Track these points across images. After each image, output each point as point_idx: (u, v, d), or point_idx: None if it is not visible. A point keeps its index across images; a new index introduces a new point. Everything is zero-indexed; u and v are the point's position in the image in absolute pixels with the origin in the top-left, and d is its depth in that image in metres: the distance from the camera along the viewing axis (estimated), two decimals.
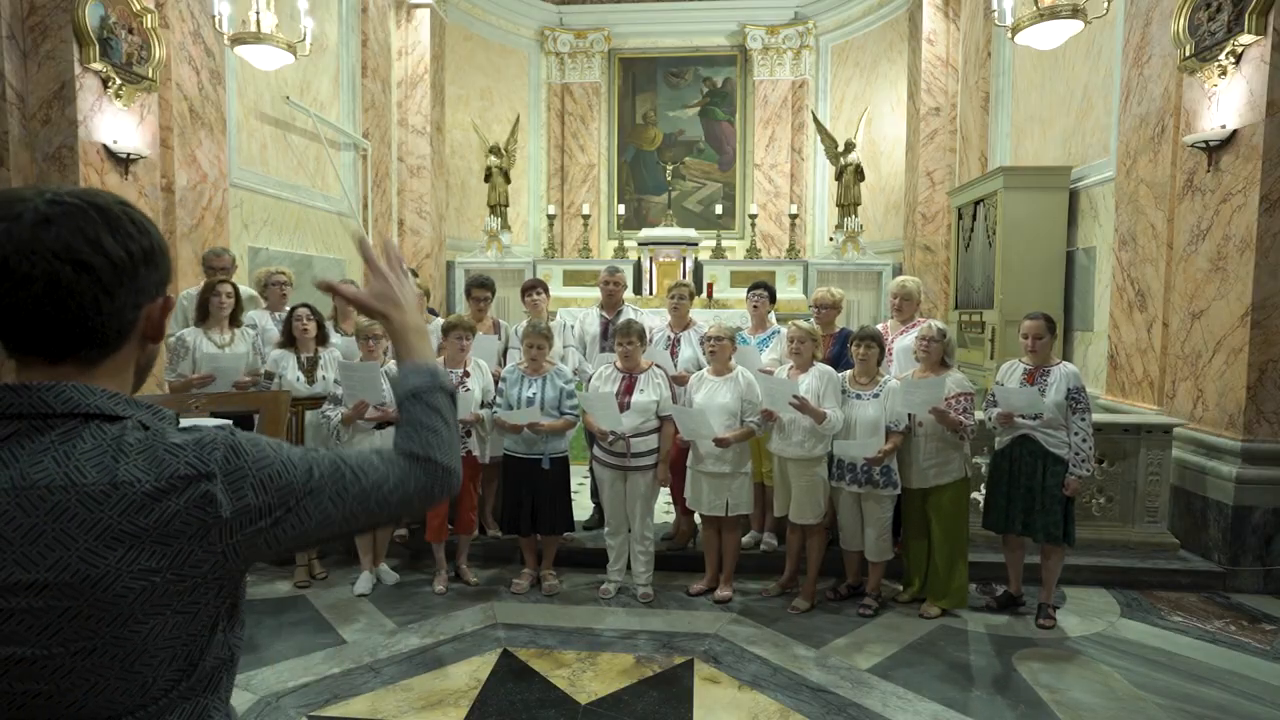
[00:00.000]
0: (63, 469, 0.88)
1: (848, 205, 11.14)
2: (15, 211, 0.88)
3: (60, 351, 0.93)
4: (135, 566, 0.88)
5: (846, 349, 4.64)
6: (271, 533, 0.97)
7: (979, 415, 4.28)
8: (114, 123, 5.14)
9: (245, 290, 5.21)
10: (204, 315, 4.51)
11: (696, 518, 4.72)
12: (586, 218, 12.23)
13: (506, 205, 11.73)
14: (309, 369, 4.57)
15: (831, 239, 11.62)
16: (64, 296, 0.89)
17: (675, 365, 4.82)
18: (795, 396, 4.04)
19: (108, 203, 0.93)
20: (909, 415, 4.11)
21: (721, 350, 4.28)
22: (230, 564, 0.95)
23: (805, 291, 10.96)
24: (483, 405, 4.45)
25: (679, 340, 4.95)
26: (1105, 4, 5.21)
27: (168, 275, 1.00)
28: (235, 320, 4.60)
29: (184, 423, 1.04)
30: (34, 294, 0.88)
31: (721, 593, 4.36)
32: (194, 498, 0.91)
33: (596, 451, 4.49)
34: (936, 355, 4.12)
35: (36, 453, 0.88)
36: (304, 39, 6.15)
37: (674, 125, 12.90)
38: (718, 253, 11.86)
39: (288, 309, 4.73)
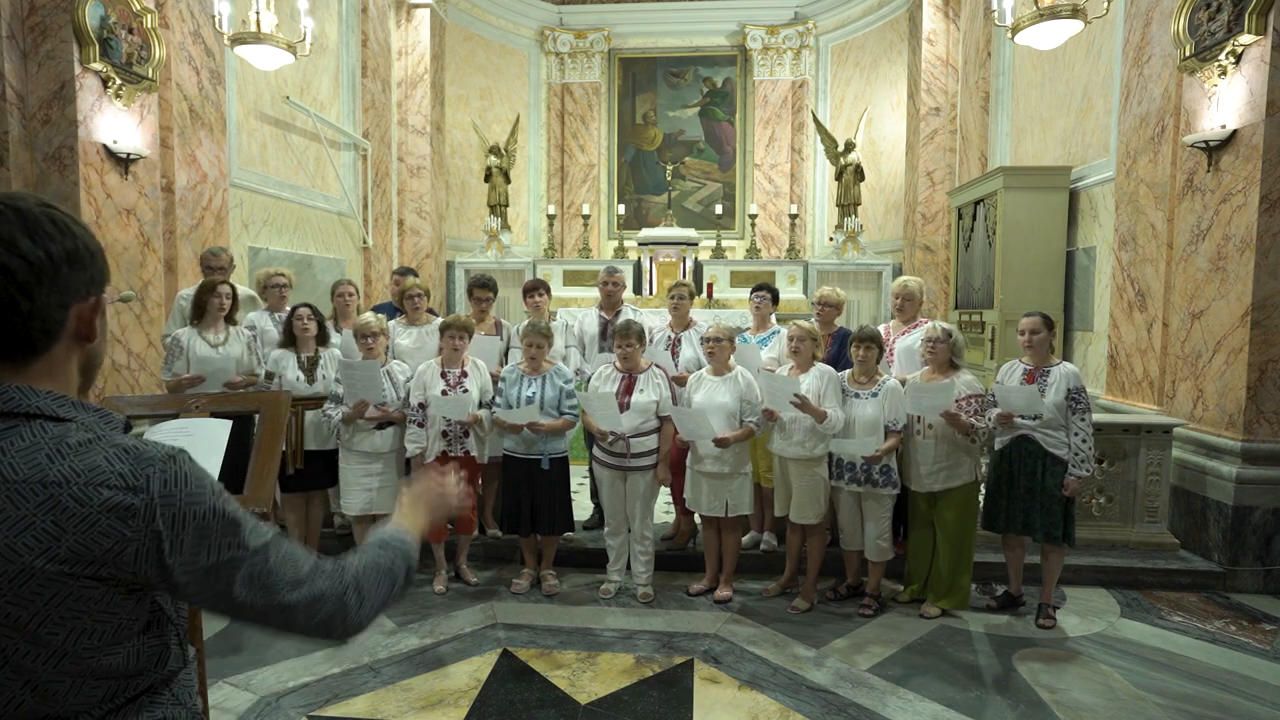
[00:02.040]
0: None
1: (848, 205, 11.14)
2: None
3: None
4: (50, 568, 0.88)
5: (844, 348, 4.64)
6: (179, 572, 0.95)
7: None
8: (114, 123, 5.14)
9: (244, 290, 5.20)
10: (200, 315, 4.50)
11: (696, 518, 4.72)
12: (586, 218, 12.23)
13: (506, 205, 11.72)
14: (309, 369, 4.56)
15: (831, 239, 11.62)
16: None
17: (676, 365, 4.82)
18: (796, 395, 4.04)
19: (27, 205, 0.93)
20: (917, 417, 4.10)
21: (720, 350, 4.27)
22: (141, 584, 0.95)
23: (805, 291, 10.97)
24: (481, 405, 4.45)
25: (680, 340, 4.94)
26: (1105, 4, 5.21)
27: (100, 275, 1.00)
28: (231, 319, 4.59)
29: (176, 424, 1.05)
30: None
31: (721, 593, 4.36)
32: (117, 508, 0.90)
33: (596, 452, 4.48)
34: (944, 356, 4.11)
35: None
36: (304, 39, 6.14)
37: (674, 125, 12.90)
38: (718, 253, 11.86)
39: (288, 309, 4.73)
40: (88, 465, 0.91)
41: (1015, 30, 5.35)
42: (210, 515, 0.97)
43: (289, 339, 4.59)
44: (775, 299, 5.11)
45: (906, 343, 4.62)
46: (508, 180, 11.66)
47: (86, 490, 0.89)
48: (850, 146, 11.02)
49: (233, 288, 4.60)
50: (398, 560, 1.16)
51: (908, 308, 4.80)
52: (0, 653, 0.89)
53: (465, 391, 4.38)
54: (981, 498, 4.34)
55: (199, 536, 0.95)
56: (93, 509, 0.89)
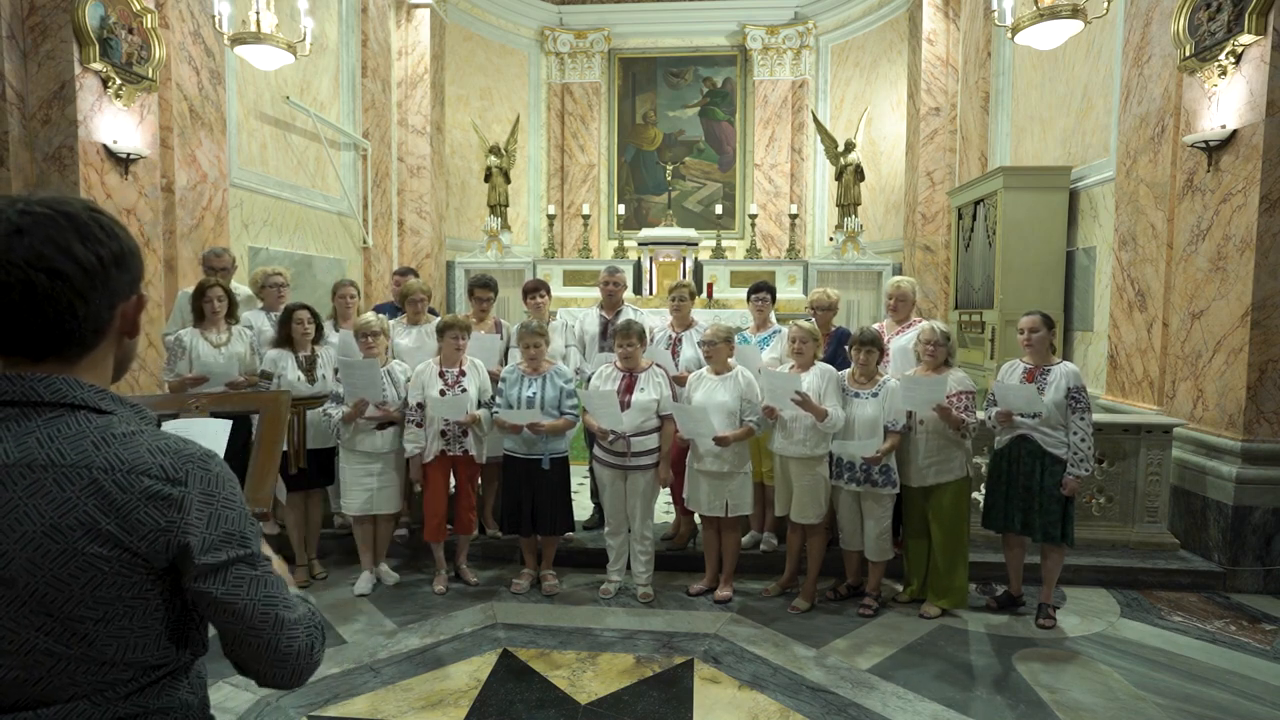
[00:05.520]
0: (45, 450, 0.93)
1: (848, 205, 11.14)
2: None
3: (41, 352, 0.98)
4: (91, 549, 0.92)
5: (842, 349, 4.64)
6: (203, 565, 0.98)
7: (980, 414, 4.27)
8: (114, 123, 5.14)
9: (242, 290, 5.18)
10: (199, 316, 4.50)
11: (696, 517, 4.72)
12: (586, 218, 12.23)
13: (506, 205, 11.72)
14: (308, 368, 4.55)
15: (831, 239, 11.62)
16: (41, 302, 0.94)
17: (677, 365, 4.82)
18: (797, 393, 4.04)
19: (77, 210, 0.97)
20: (909, 413, 4.11)
21: (717, 353, 4.27)
22: (167, 572, 0.98)
23: (805, 291, 10.96)
24: (479, 405, 4.44)
25: (680, 340, 4.94)
26: (1105, 4, 5.21)
27: (140, 274, 1.05)
28: (233, 318, 4.58)
29: (176, 424, 1.07)
30: (11, 301, 0.93)
31: (721, 593, 4.36)
32: (156, 497, 0.95)
33: (596, 451, 4.48)
34: (941, 358, 4.12)
35: (21, 435, 0.94)
36: (304, 39, 6.14)
37: (674, 125, 12.90)
38: (718, 253, 11.86)
39: (283, 308, 4.71)
40: (131, 455, 0.95)
41: (1015, 30, 5.35)
42: (239, 520, 1.02)
43: (284, 339, 4.57)
44: (773, 297, 5.12)
45: (900, 343, 4.61)
46: (508, 180, 11.66)
47: (129, 478, 0.94)
48: (850, 146, 11.02)
49: (225, 289, 4.58)
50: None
51: (901, 308, 4.81)
52: (28, 638, 0.92)
53: (463, 391, 4.38)
54: (980, 496, 4.35)
55: (226, 537, 1.00)
56: (134, 496, 0.94)
